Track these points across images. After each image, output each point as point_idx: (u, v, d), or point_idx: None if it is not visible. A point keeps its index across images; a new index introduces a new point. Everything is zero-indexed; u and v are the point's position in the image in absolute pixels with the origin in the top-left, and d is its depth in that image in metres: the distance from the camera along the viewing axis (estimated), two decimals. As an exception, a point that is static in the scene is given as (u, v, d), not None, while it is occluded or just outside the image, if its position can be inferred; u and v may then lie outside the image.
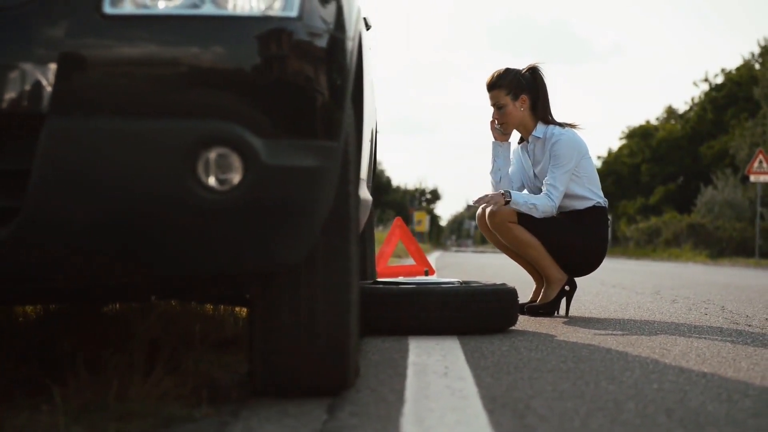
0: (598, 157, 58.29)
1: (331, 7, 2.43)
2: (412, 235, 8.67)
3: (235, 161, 2.20)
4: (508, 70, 5.20)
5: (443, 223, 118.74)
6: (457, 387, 2.72)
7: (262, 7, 2.28)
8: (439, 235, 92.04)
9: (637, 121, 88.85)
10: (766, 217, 31.04)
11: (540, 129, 5.18)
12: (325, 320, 2.54)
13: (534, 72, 5.23)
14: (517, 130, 5.28)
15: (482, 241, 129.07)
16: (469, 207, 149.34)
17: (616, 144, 57.47)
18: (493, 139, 5.32)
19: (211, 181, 2.19)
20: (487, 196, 5.12)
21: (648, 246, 38.67)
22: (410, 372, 3.01)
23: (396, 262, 12.67)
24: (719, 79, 50.39)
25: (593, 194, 5.16)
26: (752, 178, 25.82)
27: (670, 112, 55.97)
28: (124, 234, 2.21)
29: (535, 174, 5.27)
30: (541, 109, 5.19)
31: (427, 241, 55.67)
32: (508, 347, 3.67)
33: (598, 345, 3.78)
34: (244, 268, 2.36)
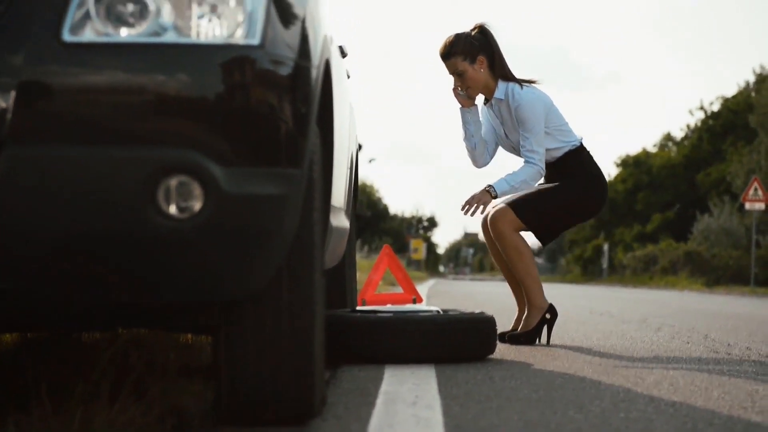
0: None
1: (295, 35, 2.43)
2: (400, 262, 8.66)
3: (196, 189, 2.20)
4: (458, 36, 5.14)
5: (441, 250, 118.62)
6: (423, 416, 2.71)
7: (225, 34, 2.28)
8: (436, 263, 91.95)
9: (634, 148, 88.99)
10: (761, 244, 31.02)
11: (501, 89, 5.14)
12: (288, 349, 2.53)
13: (484, 31, 5.17)
14: (482, 93, 5.23)
15: (480, 269, 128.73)
16: (466, 235, 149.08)
17: (612, 171, 57.43)
18: (459, 107, 5.27)
19: (172, 209, 2.18)
20: (473, 198, 5.09)
21: (644, 274, 38.65)
22: (380, 401, 3.00)
23: (390, 290, 12.66)
24: (715, 107, 50.51)
25: (566, 143, 5.17)
26: (747, 205, 25.84)
27: (668, 138, 56.03)
28: (83, 263, 2.20)
29: (506, 134, 5.25)
30: (498, 66, 5.14)
31: (424, 269, 55.63)
32: (483, 376, 3.65)
33: (574, 374, 3.77)
34: (205, 295, 2.35)
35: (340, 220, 3.97)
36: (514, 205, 5.11)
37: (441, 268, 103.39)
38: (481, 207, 5.09)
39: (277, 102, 2.32)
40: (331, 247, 3.55)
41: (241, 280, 2.35)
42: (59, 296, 2.27)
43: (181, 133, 2.20)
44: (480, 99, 5.29)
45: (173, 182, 2.18)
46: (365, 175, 61.29)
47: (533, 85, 5.16)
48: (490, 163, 5.43)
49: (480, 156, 5.32)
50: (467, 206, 5.10)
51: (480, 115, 5.31)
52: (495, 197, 5.06)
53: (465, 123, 5.28)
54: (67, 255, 2.19)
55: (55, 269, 2.20)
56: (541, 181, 5.28)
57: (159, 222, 2.18)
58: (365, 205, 51.50)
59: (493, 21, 5.19)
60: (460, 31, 5.18)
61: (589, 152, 5.24)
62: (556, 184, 5.18)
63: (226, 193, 2.21)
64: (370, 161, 53.67)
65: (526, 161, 5.07)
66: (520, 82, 5.13)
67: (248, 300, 2.49)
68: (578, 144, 5.20)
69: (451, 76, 5.19)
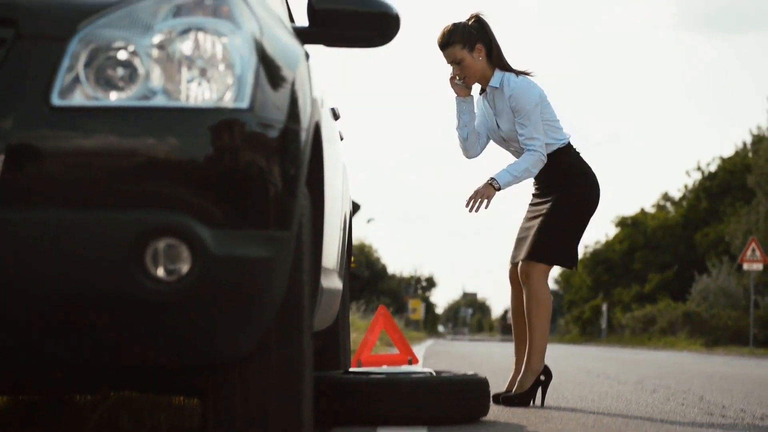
0: (585, 246, 58.16)
1: (284, 99, 2.45)
2: (395, 323, 8.64)
3: (184, 252, 2.20)
4: (456, 25, 5.15)
5: (439, 310, 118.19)
6: (412, 479, 2.69)
7: (214, 98, 2.29)
8: (434, 323, 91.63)
9: (632, 208, 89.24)
10: (760, 305, 30.93)
11: (496, 77, 5.15)
12: (277, 411, 2.51)
13: (480, 20, 5.20)
14: (479, 82, 5.24)
15: (478, 329, 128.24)
16: (465, 295, 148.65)
17: (609, 231, 57.66)
18: (455, 96, 5.25)
19: (160, 271, 2.19)
20: (477, 192, 5.08)
21: (643, 334, 38.49)
22: (370, 463, 2.98)
23: (387, 350, 12.61)
24: (713, 167, 50.61)
25: (556, 141, 5.18)
26: (745, 266, 25.82)
27: (666, 198, 56.05)
28: (71, 325, 2.21)
29: (498, 125, 5.24)
30: (495, 56, 5.16)
31: (422, 330, 55.46)
32: (475, 438, 3.63)
33: (566, 436, 3.74)
34: (192, 358, 2.35)
35: (332, 282, 3.97)
36: (533, 256, 5.12)
37: (441, 328, 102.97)
38: (485, 201, 5.08)
39: (266, 164, 2.33)
40: (322, 309, 3.54)
41: (230, 343, 2.35)
42: (47, 358, 2.27)
43: (170, 195, 2.20)
44: (476, 90, 5.30)
45: (161, 245, 2.19)
46: (363, 235, 61.31)
47: (528, 76, 5.19)
48: (480, 155, 5.43)
49: (471, 146, 5.33)
50: (471, 201, 5.08)
51: (475, 106, 5.33)
52: (498, 189, 5.06)
53: (460, 113, 5.27)
54: (56, 317, 2.19)
55: (44, 331, 2.20)
56: (531, 189, 5.31)
57: (146, 285, 2.18)
58: (363, 265, 51.46)
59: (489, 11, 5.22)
60: (456, 21, 5.18)
61: (575, 150, 5.27)
62: (551, 208, 5.16)
63: (213, 256, 2.21)
64: (368, 221, 53.71)
65: (527, 149, 5.08)
66: (516, 72, 5.17)
67: (237, 362, 2.48)
68: (567, 142, 5.22)
69: (449, 65, 5.18)
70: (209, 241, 2.21)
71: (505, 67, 5.17)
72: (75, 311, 2.19)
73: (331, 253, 3.84)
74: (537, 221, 5.21)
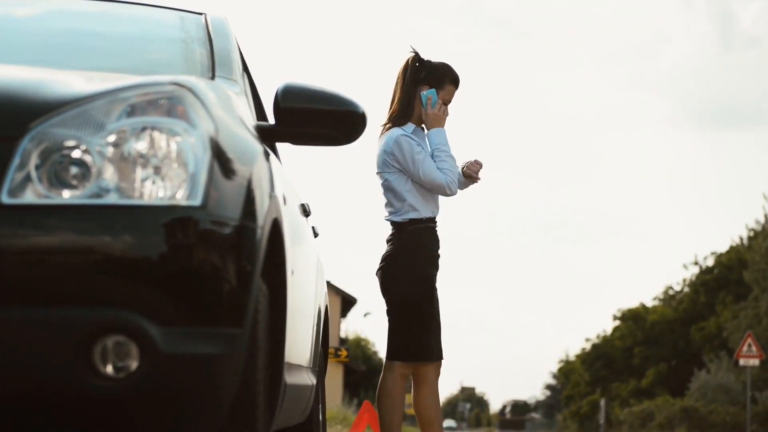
0: (587, 340, 57.89)
1: (239, 196, 2.45)
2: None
3: (133, 349, 2.19)
4: None
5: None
6: None
7: (167, 196, 2.29)
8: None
9: (631, 303, 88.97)
10: (758, 400, 30.67)
11: None
12: None
13: None
14: (418, 123, 5.19)
15: (476, 424, 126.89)
16: (463, 389, 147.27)
17: (608, 326, 57.41)
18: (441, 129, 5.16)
19: (108, 368, 2.18)
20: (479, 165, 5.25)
21: (642, 430, 38.13)
22: None
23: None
24: (710, 261, 50.59)
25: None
26: (741, 361, 25.63)
27: (667, 293, 55.83)
28: (17, 422, 2.20)
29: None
30: None
31: (418, 424, 55.00)
32: None
33: None
34: (141, 457, 2.33)
35: (300, 378, 3.94)
36: (422, 358, 5.10)
37: (449, 423, 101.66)
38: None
39: (218, 261, 2.33)
40: (287, 406, 3.52)
41: (180, 441, 2.33)
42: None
43: (120, 292, 2.20)
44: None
45: (110, 342, 2.18)
46: (360, 329, 61.07)
47: None
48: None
49: None
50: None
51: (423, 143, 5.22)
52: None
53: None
54: (2, 413, 2.18)
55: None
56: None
57: (94, 382, 2.17)
58: (360, 359, 51.13)
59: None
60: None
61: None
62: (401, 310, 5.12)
63: (162, 353, 2.20)
64: (365, 315, 53.52)
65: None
66: None
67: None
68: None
69: (443, 101, 5.13)
70: (158, 338, 2.20)
71: None
72: (22, 408, 2.18)
73: (299, 349, 3.83)
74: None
